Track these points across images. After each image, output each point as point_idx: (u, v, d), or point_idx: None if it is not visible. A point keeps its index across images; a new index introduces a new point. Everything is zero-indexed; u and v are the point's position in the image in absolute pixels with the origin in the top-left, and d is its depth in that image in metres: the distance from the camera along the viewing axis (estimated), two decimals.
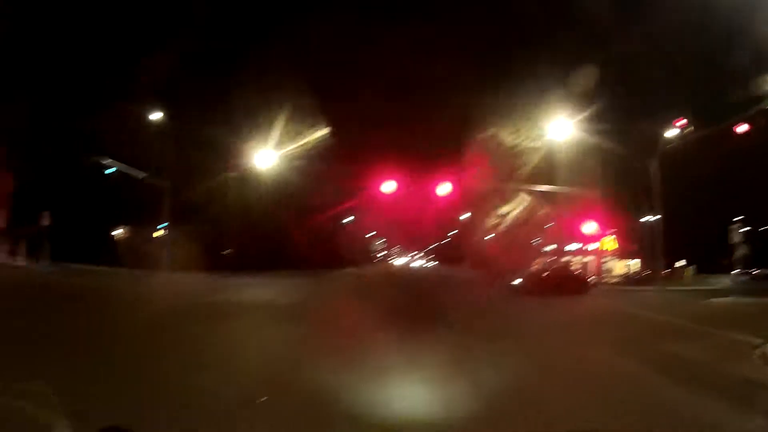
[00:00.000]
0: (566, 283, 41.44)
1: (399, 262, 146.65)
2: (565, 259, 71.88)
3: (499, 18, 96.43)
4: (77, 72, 50.68)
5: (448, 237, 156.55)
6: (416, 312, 23.99)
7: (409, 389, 10.29)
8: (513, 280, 41.38)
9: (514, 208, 68.02)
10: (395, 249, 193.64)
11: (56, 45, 50.31)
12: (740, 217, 48.66)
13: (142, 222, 57.81)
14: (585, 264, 74.73)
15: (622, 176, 53.71)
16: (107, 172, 45.33)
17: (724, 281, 53.63)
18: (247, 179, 56.35)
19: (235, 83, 59.96)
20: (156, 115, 50.11)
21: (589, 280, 44.07)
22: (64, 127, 49.77)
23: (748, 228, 51.39)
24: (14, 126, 45.30)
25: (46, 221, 44.52)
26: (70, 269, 44.09)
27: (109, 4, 56.38)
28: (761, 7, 30.08)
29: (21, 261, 45.57)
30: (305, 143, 56.30)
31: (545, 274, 43.52)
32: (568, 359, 14.64)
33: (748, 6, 31.61)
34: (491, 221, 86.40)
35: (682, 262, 70.76)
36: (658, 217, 50.34)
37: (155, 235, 55.97)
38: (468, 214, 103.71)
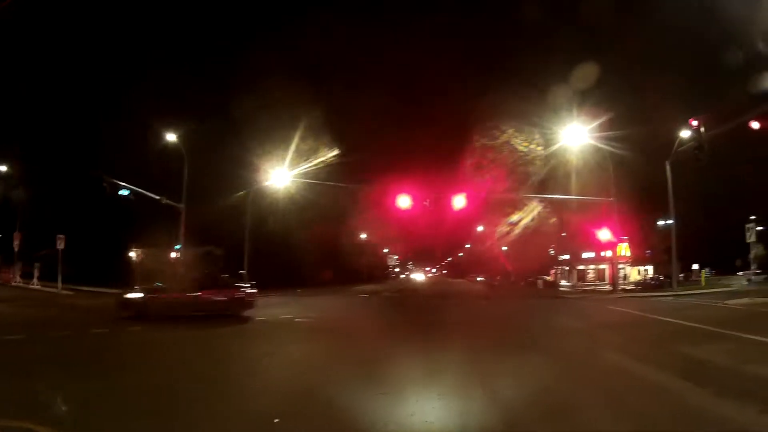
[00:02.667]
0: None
1: (416, 277, 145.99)
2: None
3: (510, 24, 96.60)
4: (92, 93, 51.08)
5: (465, 250, 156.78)
6: (432, 329, 23.83)
7: (428, 405, 10.23)
8: None
9: (527, 218, 67.75)
10: (411, 264, 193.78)
11: (73, 67, 50.77)
12: (754, 217, 48.45)
13: (157, 243, 58.02)
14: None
15: (635, 182, 53.60)
16: (122, 193, 45.26)
17: (739, 282, 53.44)
18: (263, 198, 56.44)
19: (247, 101, 60.22)
20: (171, 136, 50.15)
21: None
22: (80, 147, 50.10)
23: (762, 227, 51.21)
24: (30, 148, 45.68)
25: (61, 244, 44.68)
26: (84, 291, 44.31)
27: (125, 24, 56.91)
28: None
29: (36, 284, 45.82)
30: (319, 160, 56.37)
31: None
32: (588, 366, 14.65)
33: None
34: (505, 232, 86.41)
35: (696, 266, 70.62)
36: (671, 221, 50.26)
37: (171, 256, 56.12)
38: (482, 227, 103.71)
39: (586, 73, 49.87)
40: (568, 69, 55.44)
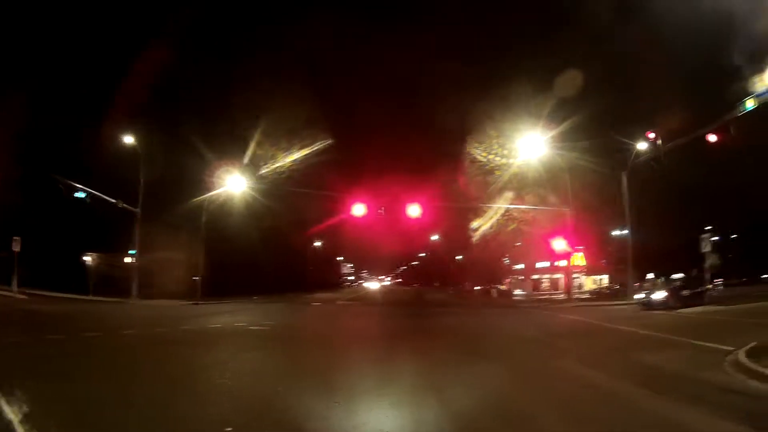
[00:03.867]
0: None
1: (370, 285, 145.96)
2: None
3: (463, 37, 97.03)
4: (48, 94, 50.44)
5: (420, 259, 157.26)
6: (385, 338, 23.78)
7: (381, 414, 10.16)
8: None
9: (484, 227, 67.94)
10: (366, 273, 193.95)
11: (29, 64, 50.11)
12: (709, 227, 48.96)
13: (113, 248, 57.40)
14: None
15: (591, 192, 53.92)
16: (78, 195, 44.73)
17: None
18: (220, 205, 56.06)
19: (207, 109, 59.98)
20: (128, 139, 49.67)
21: None
22: (36, 150, 49.46)
23: (717, 237, 51.77)
24: None
25: (16, 247, 43.99)
26: (39, 296, 43.74)
27: (80, 24, 56.32)
28: (731, 21, 30.49)
29: None
30: (276, 168, 56.22)
31: None
32: (542, 374, 14.60)
33: (719, 20, 32.02)
34: (461, 241, 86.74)
35: (652, 275, 71.22)
36: (627, 231, 50.65)
37: (126, 261, 55.58)
38: (437, 236, 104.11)
39: (548, 85, 50.30)
40: (530, 81, 55.91)
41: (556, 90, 49.15)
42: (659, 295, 38.27)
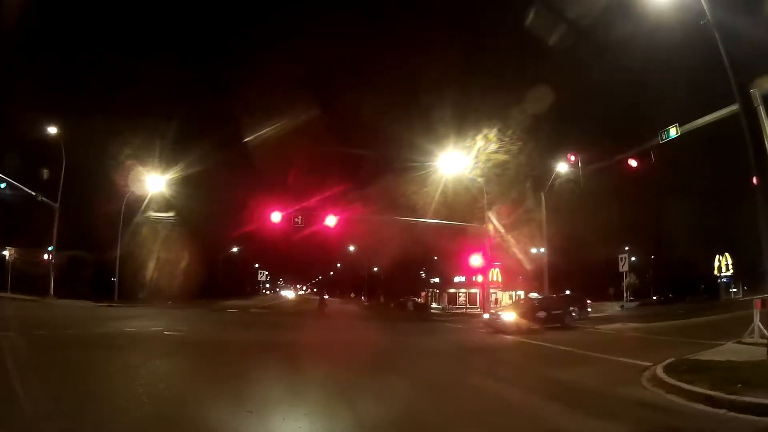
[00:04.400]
0: None
1: (286, 294, 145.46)
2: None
3: (392, 55, 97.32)
4: None
5: (336, 269, 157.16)
6: (298, 349, 23.63)
7: (294, 424, 10.07)
8: None
9: (401, 240, 68.07)
10: (282, 281, 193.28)
11: None
12: (627, 248, 49.90)
13: (32, 243, 56.21)
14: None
15: (512, 209, 54.45)
16: None
17: (613, 308, 55.16)
18: (139, 204, 55.27)
19: (131, 101, 59.12)
20: (51, 130, 48.59)
21: None
22: None
23: (634, 258, 52.80)
24: None
25: None
26: None
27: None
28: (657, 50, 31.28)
29: None
30: (195, 168, 55.58)
31: None
32: (453, 389, 14.45)
33: (647, 49, 32.80)
34: (378, 253, 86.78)
35: (569, 292, 72.30)
36: (544, 249, 51.23)
37: (43, 258, 54.52)
38: (354, 247, 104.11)
39: (474, 104, 50.74)
40: (454, 96, 56.26)
41: (480, 108, 49.67)
42: (509, 316, 35.10)
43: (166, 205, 55.96)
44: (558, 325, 36.34)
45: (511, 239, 58.17)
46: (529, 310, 37.14)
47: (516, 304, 45.36)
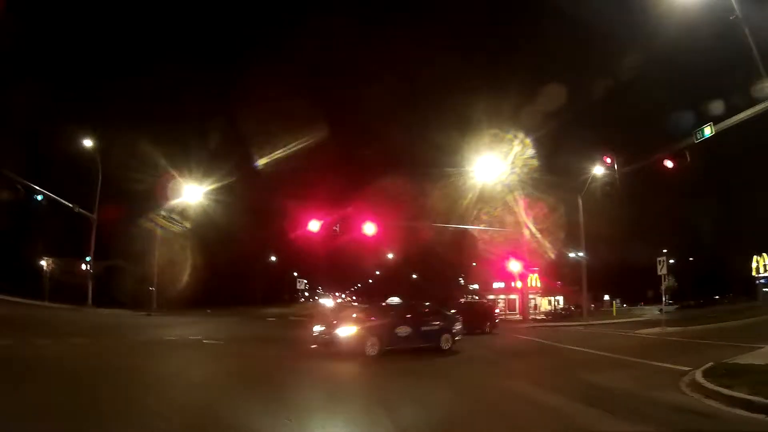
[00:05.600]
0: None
1: (324, 302, 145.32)
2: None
3: (427, 58, 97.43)
4: (7, 94, 49.67)
5: (375, 277, 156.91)
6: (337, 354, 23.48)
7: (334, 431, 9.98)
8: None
9: (440, 247, 67.91)
10: (321, 289, 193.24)
11: None
12: (666, 250, 49.39)
13: (70, 254, 56.74)
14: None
15: (549, 214, 54.11)
16: (36, 199, 43.95)
17: (651, 312, 54.55)
18: (178, 215, 55.54)
19: (167, 113, 59.50)
20: (88, 143, 48.84)
21: None
22: None
23: (673, 260, 52.23)
24: None
25: None
26: None
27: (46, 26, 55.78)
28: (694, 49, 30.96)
29: None
30: (233, 179, 55.78)
31: None
32: (494, 395, 14.41)
33: (683, 49, 32.49)
34: (417, 260, 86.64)
35: (607, 297, 71.83)
36: (582, 254, 50.85)
37: (81, 267, 54.96)
38: (393, 254, 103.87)
39: (511, 108, 50.53)
40: (490, 105, 56.12)
41: (517, 113, 49.43)
42: (347, 331, 23.69)
43: (202, 214, 56.13)
44: (429, 345, 25.48)
45: (548, 244, 57.89)
46: (382, 323, 25.26)
47: (366, 311, 30.16)
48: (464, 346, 27.13)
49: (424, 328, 26.36)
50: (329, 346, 24.60)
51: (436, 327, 26.83)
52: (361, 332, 24.39)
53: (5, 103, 48.49)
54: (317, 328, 26.79)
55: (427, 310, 28.99)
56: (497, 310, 48.77)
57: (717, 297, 68.35)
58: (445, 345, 26.54)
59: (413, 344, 25.37)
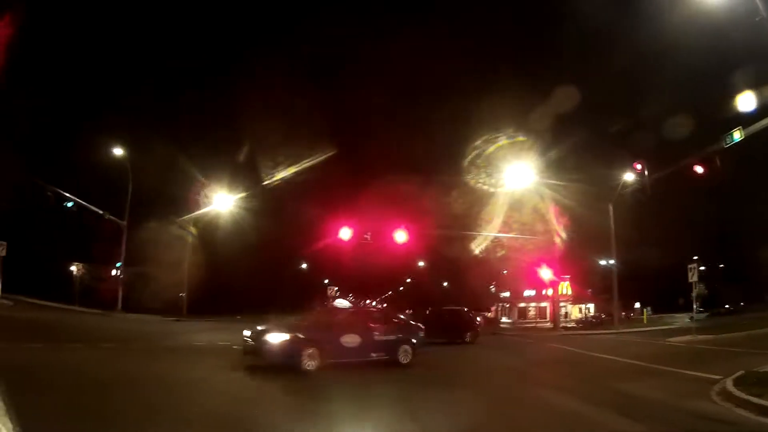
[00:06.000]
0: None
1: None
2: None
3: (452, 62, 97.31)
4: (39, 102, 50.11)
5: (406, 284, 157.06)
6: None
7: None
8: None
9: (470, 255, 67.71)
10: (351, 297, 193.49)
11: (17, 75, 49.78)
12: (696, 257, 49.01)
13: (99, 260, 57.21)
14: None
15: (579, 221, 53.89)
16: (66, 204, 44.21)
17: (682, 320, 54.11)
18: (206, 222, 55.85)
19: (198, 121, 59.81)
20: (118, 151, 49.07)
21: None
22: (26, 157, 49.06)
23: (703, 267, 51.82)
24: None
25: (2, 251, 43.35)
26: (24, 303, 43.41)
27: (76, 36, 56.24)
28: (724, 53, 30.69)
29: None
30: (263, 186, 55.94)
31: None
32: (525, 405, 14.38)
33: (710, 51, 32.21)
34: (447, 267, 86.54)
35: (638, 304, 71.37)
36: (613, 261, 50.63)
37: (110, 273, 55.40)
38: (423, 263, 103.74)
39: (538, 116, 50.36)
40: (519, 113, 56.07)
41: (543, 120, 49.20)
42: (278, 337, 19.92)
43: (231, 222, 56.39)
44: (385, 358, 22.20)
45: (579, 252, 57.72)
46: (324, 330, 21.80)
47: (308, 315, 29.88)
48: (436, 359, 25.37)
49: (378, 338, 22.81)
50: (258, 356, 20.77)
51: (393, 337, 23.19)
52: (295, 340, 20.21)
53: (36, 110, 48.98)
54: (246, 333, 22.72)
55: (383, 315, 26.37)
56: (479, 319, 45.03)
57: (750, 304, 67.60)
58: (404, 358, 22.81)
59: (364, 356, 21.90)
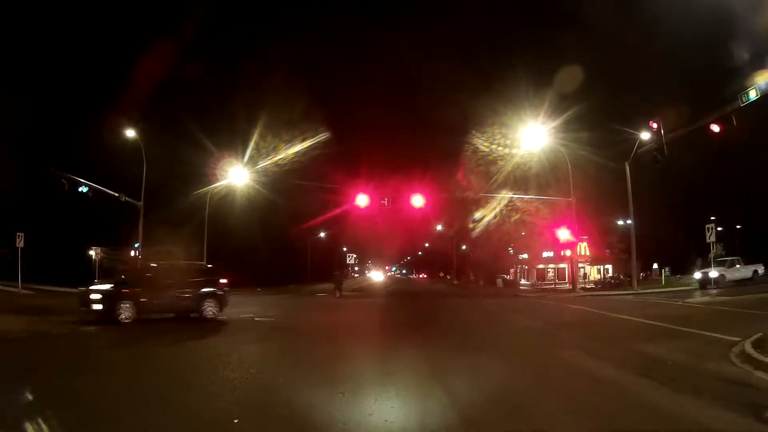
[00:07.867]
0: None
1: (374, 276, 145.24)
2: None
3: (469, 25, 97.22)
4: (50, 88, 50.32)
5: (424, 249, 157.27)
6: (389, 329, 23.61)
7: (387, 405, 10.07)
8: None
9: (488, 217, 67.72)
10: (370, 263, 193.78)
11: (30, 61, 49.96)
12: (714, 217, 48.87)
13: (117, 242, 57.52)
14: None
15: (595, 182, 53.76)
16: (80, 190, 44.28)
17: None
18: (222, 196, 55.98)
19: (209, 103, 60.00)
20: (131, 133, 49.17)
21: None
22: (38, 144, 49.30)
23: (721, 228, 51.65)
24: None
25: (20, 242, 43.59)
26: (44, 291, 43.75)
27: (84, 19, 56.37)
28: (735, 11, 30.41)
29: None
30: (278, 160, 56.01)
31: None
32: (547, 366, 14.53)
33: (723, 10, 31.93)
34: (465, 231, 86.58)
35: (656, 265, 71.19)
36: (630, 222, 50.57)
37: (130, 254, 55.67)
38: (441, 227, 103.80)
39: (549, 76, 50.12)
40: (532, 72, 55.91)
41: (557, 81, 48.91)
42: (97, 291, 23.51)
43: (250, 196, 56.51)
44: (193, 313, 25.20)
45: (597, 213, 57.70)
46: (140, 285, 23.98)
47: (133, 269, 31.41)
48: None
49: (187, 293, 24.94)
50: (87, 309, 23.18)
51: (202, 292, 25.48)
52: (111, 293, 22.82)
53: (48, 94, 49.17)
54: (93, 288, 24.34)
55: (194, 270, 27.08)
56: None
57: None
58: (210, 312, 25.39)
59: (175, 311, 24.68)
